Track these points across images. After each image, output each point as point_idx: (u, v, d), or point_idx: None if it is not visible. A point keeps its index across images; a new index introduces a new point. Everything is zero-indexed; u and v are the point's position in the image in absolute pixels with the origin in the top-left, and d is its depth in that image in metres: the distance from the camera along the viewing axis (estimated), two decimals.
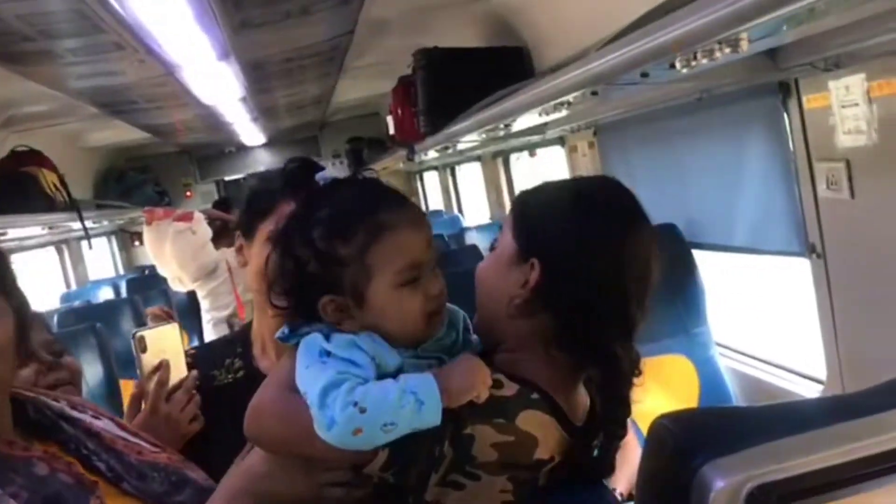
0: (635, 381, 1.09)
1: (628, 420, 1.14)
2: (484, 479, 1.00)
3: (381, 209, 1.08)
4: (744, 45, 1.58)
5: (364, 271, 1.06)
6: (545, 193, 1.18)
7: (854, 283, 2.34)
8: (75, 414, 1.26)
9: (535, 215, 1.15)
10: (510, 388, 1.03)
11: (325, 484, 1.05)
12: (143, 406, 1.57)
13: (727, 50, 1.61)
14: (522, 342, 1.09)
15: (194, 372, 1.63)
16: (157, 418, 1.53)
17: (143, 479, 1.23)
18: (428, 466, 0.99)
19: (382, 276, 1.06)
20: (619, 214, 1.12)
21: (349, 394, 0.98)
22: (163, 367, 1.56)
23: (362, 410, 0.97)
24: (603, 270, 1.07)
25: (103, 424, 1.28)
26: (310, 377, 1.01)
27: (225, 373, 1.65)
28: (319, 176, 1.15)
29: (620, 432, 1.10)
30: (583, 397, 1.13)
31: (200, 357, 1.74)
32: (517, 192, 1.28)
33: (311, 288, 1.08)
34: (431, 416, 0.98)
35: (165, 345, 1.60)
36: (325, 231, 1.08)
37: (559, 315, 1.07)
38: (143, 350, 1.57)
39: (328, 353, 1.03)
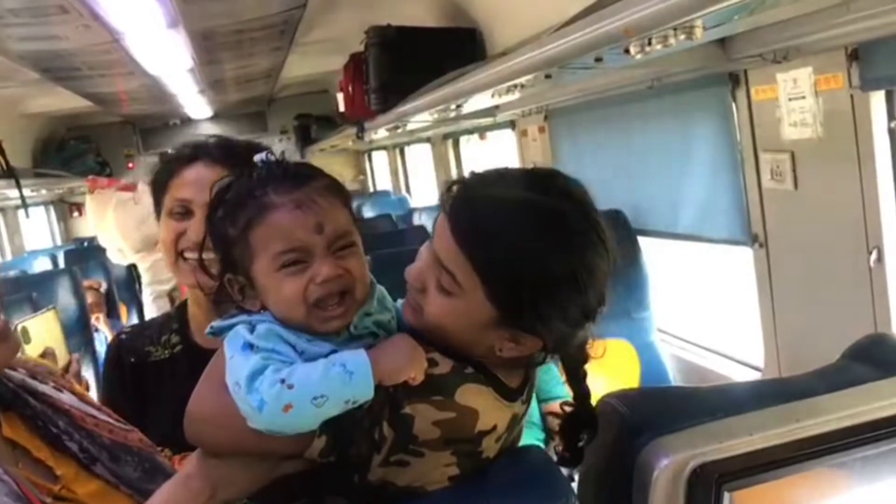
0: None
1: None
2: (428, 456, 1.00)
3: (271, 190, 1.05)
4: (698, 33, 1.59)
5: (248, 251, 1.05)
6: (504, 234, 1.00)
7: (794, 273, 2.40)
8: (38, 386, 1.19)
9: (512, 280, 1.00)
10: (445, 365, 1.02)
11: (279, 459, 1.03)
12: None
13: (681, 37, 1.62)
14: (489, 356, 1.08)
15: (76, 355, 1.63)
16: None
17: (116, 461, 1.18)
18: (368, 449, 0.99)
19: (261, 258, 1.04)
20: (591, 248, 1.02)
21: (275, 373, 0.97)
22: (47, 355, 1.54)
23: (290, 387, 0.96)
24: (585, 310, 1.03)
25: (68, 399, 1.22)
26: (235, 368, 1.00)
27: (161, 349, 1.64)
28: (257, 158, 1.11)
29: (586, 406, 1.09)
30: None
31: (134, 335, 1.72)
32: (464, 176, 1.09)
33: (222, 266, 1.09)
34: (362, 388, 0.97)
35: (47, 332, 1.60)
36: (222, 211, 1.08)
37: (549, 354, 1.08)
38: (27, 341, 1.56)
39: (251, 346, 1.01)
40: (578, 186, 1.06)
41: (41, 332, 1.57)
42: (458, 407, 0.99)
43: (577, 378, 1.10)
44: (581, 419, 1.11)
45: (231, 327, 1.05)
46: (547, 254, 0.99)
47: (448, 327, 1.04)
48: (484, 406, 1.01)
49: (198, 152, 1.57)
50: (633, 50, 1.77)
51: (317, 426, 0.98)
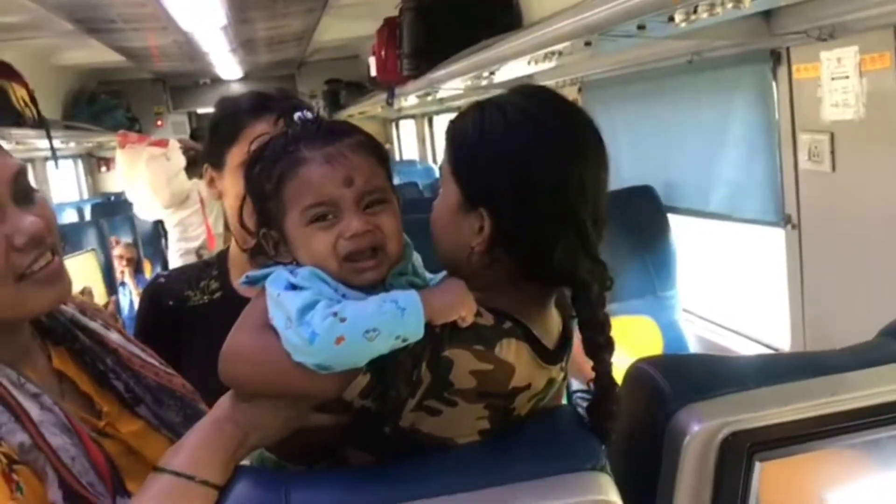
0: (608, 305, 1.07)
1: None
2: (460, 406, 0.99)
3: (303, 145, 1.06)
4: (746, 2, 1.57)
5: (281, 206, 1.06)
6: (478, 124, 1.10)
7: (826, 256, 2.37)
8: (88, 322, 1.20)
9: (471, 155, 1.09)
10: (487, 318, 1.02)
11: (311, 409, 1.03)
12: None
13: (729, 5, 1.60)
14: (489, 282, 1.08)
15: (114, 297, 1.62)
16: None
17: (160, 404, 1.19)
18: (407, 391, 0.98)
19: (293, 212, 1.05)
20: (560, 138, 1.07)
21: (327, 307, 0.97)
22: (86, 293, 1.53)
23: (342, 319, 0.95)
24: (553, 202, 1.04)
25: (116, 338, 1.23)
26: (285, 302, 1.00)
27: (200, 294, 1.63)
28: (297, 116, 1.12)
29: (604, 357, 1.08)
30: (555, 319, 1.12)
31: (173, 278, 1.71)
32: None
33: (258, 221, 1.11)
34: (414, 325, 0.97)
35: (85, 271, 1.59)
36: (259, 166, 1.10)
37: (520, 254, 1.06)
38: None
39: (295, 287, 1.01)
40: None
41: (80, 272, 1.56)
42: (496, 359, 0.99)
43: (596, 348, 1.07)
44: (604, 398, 1.08)
45: (266, 277, 1.05)
46: (496, 138, 1.07)
47: (438, 227, 1.13)
48: (521, 363, 1.01)
49: (268, 103, 1.53)
50: (677, 18, 1.74)
51: (364, 363, 0.98)
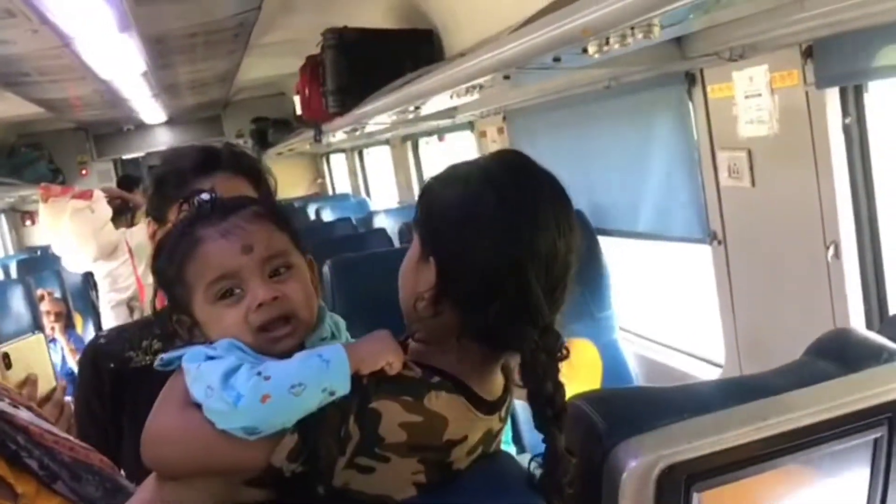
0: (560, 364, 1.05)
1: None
2: (393, 461, 0.97)
3: (199, 225, 1.06)
4: (655, 32, 1.60)
5: (186, 289, 1.06)
6: (448, 180, 1.11)
7: (753, 269, 2.42)
8: None
9: (433, 207, 1.10)
10: (416, 371, 1.02)
11: (241, 483, 1.00)
12: None
13: (639, 36, 1.63)
14: (435, 335, 1.07)
15: (63, 382, 1.57)
16: None
17: (77, 480, 1.14)
18: (336, 449, 0.96)
19: (198, 293, 1.05)
20: (518, 196, 1.05)
21: (251, 369, 0.96)
22: (29, 382, 1.48)
23: (267, 378, 0.94)
24: (496, 259, 1.02)
25: (25, 415, 1.18)
26: (206, 372, 0.98)
27: (143, 354, 1.58)
28: (195, 198, 1.12)
29: (554, 432, 1.04)
30: (499, 376, 1.11)
31: (113, 339, 1.66)
32: (426, 176, 1.25)
33: (170, 308, 1.11)
34: (340, 375, 0.95)
35: (31, 357, 1.53)
36: (163, 252, 1.10)
37: (463, 310, 1.05)
38: (8, 367, 1.49)
39: (213, 359, 1.00)
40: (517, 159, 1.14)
41: (25, 358, 1.49)
42: (426, 411, 0.98)
43: (545, 421, 1.03)
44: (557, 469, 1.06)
45: (181, 357, 1.03)
46: (457, 189, 1.08)
47: (400, 275, 1.13)
48: (454, 415, 1.00)
49: (215, 161, 1.51)
50: (591, 49, 1.77)
51: (293, 422, 0.96)
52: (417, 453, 0.98)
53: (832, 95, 2.03)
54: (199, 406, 0.97)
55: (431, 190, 1.12)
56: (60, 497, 1.12)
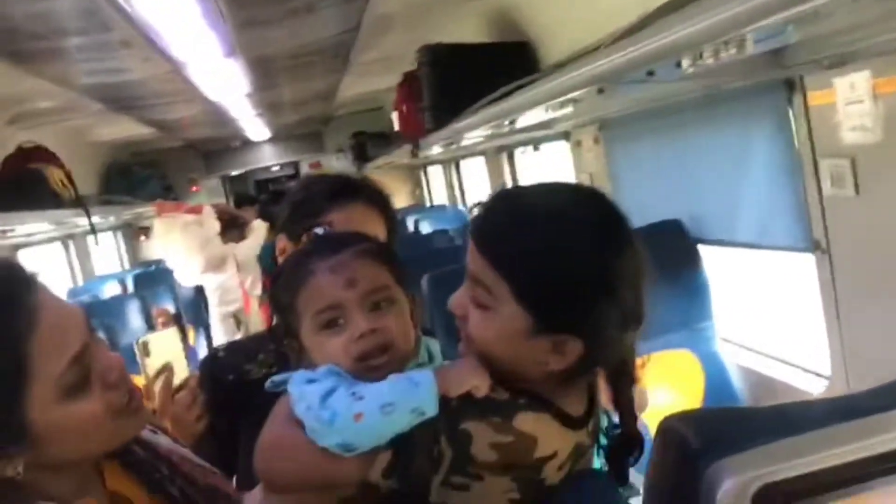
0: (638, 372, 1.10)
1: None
2: (487, 480, 1.00)
3: (314, 258, 1.14)
4: (749, 46, 1.59)
5: (296, 316, 1.14)
6: (531, 243, 1.03)
7: (859, 279, 2.35)
8: (142, 434, 1.23)
9: (545, 284, 1.02)
10: (502, 393, 1.05)
11: (337, 500, 1.06)
12: (149, 406, 1.58)
13: (732, 50, 1.62)
14: (542, 376, 1.09)
15: (196, 372, 1.66)
16: (165, 419, 1.55)
17: (211, 501, 1.23)
18: (429, 467, 1.00)
19: (305, 320, 1.13)
20: (615, 246, 1.04)
21: (348, 389, 1.03)
22: (167, 369, 1.58)
23: (360, 398, 1.01)
24: (634, 319, 1.07)
25: (165, 442, 1.27)
26: (307, 393, 1.04)
27: (258, 367, 1.66)
28: (314, 231, 1.22)
29: (633, 427, 1.12)
30: (583, 391, 1.14)
31: (231, 353, 1.74)
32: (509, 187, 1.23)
33: (282, 333, 1.19)
34: (428, 397, 1.00)
35: (167, 348, 1.63)
36: (279, 282, 1.18)
37: (601, 365, 1.10)
38: (147, 354, 1.60)
39: (314, 381, 1.06)
40: (598, 194, 1.11)
41: (162, 348, 1.62)
42: (515, 431, 1.01)
43: (623, 401, 1.12)
44: (627, 443, 1.12)
45: (287, 380, 1.10)
46: (567, 253, 1.02)
47: (493, 346, 1.07)
48: (543, 432, 1.03)
49: (352, 191, 1.60)
50: (684, 63, 1.77)
51: (385, 440, 1.01)
52: (509, 472, 1.01)
53: None
54: (302, 425, 1.03)
55: (523, 256, 1.04)
56: None
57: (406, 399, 1.00)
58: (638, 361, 1.14)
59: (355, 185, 1.63)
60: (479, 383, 1.03)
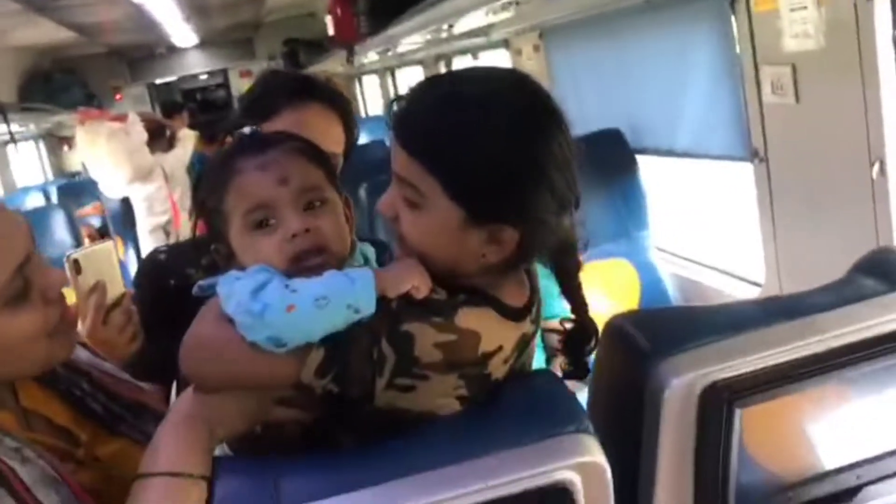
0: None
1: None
2: (433, 379, 0.98)
3: (239, 158, 1.09)
4: None
5: (223, 218, 1.09)
6: (454, 132, 1.00)
7: (796, 188, 2.38)
8: None
9: (473, 175, 0.99)
10: (441, 293, 1.02)
11: (275, 402, 1.03)
12: (80, 328, 1.50)
13: None
14: (480, 269, 1.06)
15: (131, 290, 1.58)
16: (96, 341, 1.47)
17: (139, 418, 1.19)
18: (368, 369, 0.98)
19: (234, 222, 1.08)
20: (542, 129, 1.02)
21: (279, 282, 0.99)
22: (99, 288, 1.49)
23: (293, 291, 0.97)
24: (568, 198, 1.03)
25: (85, 357, 1.21)
26: (238, 288, 1.00)
27: (202, 272, 1.59)
28: (237, 133, 1.15)
29: (585, 315, 1.10)
30: (524, 279, 1.12)
31: (173, 255, 1.66)
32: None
33: (209, 237, 1.15)
34: (364, 294, 0.97)
35: (100, 265, 1.53)
36: (203, 182, 1.13)
37: (542, 252, 1.06)
38: (78, 272, 1.50)
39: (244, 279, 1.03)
40: (524, 77, 1.07)
41: (94, 265, 1.51)
42: (458, 329, 0.99)
43: (572, 289, 1.11)
44: (582, 332, 1.11)
45: (215, 284, 1.06)
46: (493, 139, 0.99)
47: (427, 244, 1.04)
48: (486, 327, 1.01)
49: (311, 90, 1.49)
50: None
51: (318, 336, 0.97)
52: (456, 370, 0.99)
53: (882, 6, 1.96)
54: (232, 322, 1.00)
55: (450, 148, 1.00)
56: (122, 438, 1.15)
57: (341, 294, 0.96)
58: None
59: (314, 83, 1.53)
60: (418, 284, 1.00)
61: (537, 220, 1.01)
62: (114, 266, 1.54)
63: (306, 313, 0.96)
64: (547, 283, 1.14)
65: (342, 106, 1.53)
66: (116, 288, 1.50)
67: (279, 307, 0.96)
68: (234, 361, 1.00)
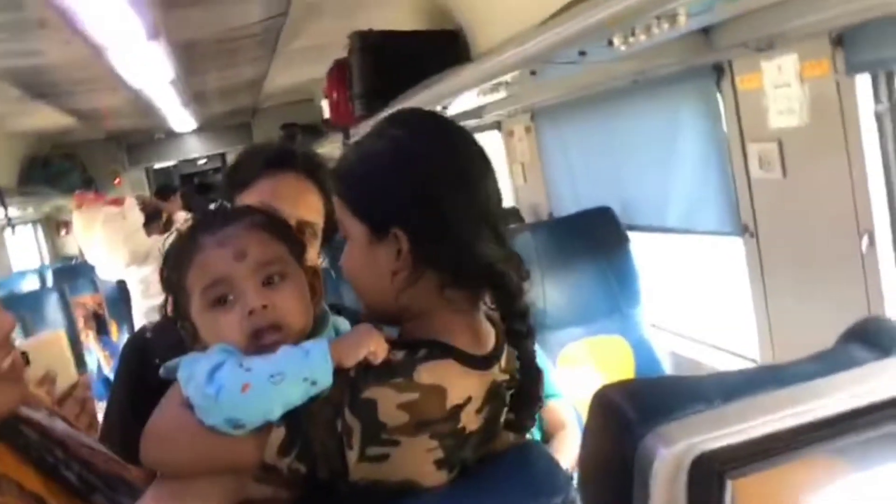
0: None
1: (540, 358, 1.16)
2: (404, 443, 0.96)
3: (199, 234, 1.09)
4: (681, 21, 1.59)
5: (186, 295, 1.08)
6: (363, 159, 1.13)
7: (786, 261, 2.39)
8: (32, 414, 1.15)
9: (364, 188, 1.10)
10: (398, 354, 1.01)
11: (254, 479, 1.00)
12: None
13: (665, 26, 1.62)
14: (420, 304, 1.07)
15: (84, 378, 1.56)
16: None
17: (114, 490, 1.15)
18: (333, 442, 0.95)
19: (195, 299, 1.06)
20: (437, 142, 1.11)
21: (235, 363, 0.98)
22: (48, 380, 1.46)
23: (248, 370, 0.96)
24: (467, 203, 1.07)
25: (61, 427, 1.18)
26: (196, 370, 0.99)
27: (176, 353, 1.58)
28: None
29: (527, 345, 1.11)
30: (487, 325, 1.12)
31: (159, 337, 1.63)
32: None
33: (175, 315, 1.13)
34: (320, 366, 0.95)
35: (51, 354, 1.52)
36: (168, 259, 1.12)
37: (440, 261, 1.06)
38: (27, 363, 1.49)
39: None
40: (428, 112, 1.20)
41: (44, 355, 1.49)
42: (419, 386, 0.97)
43: (512, 324, 1.10)
44: (526, 389, 1.12)
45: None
46: (377, 155, 1.10)
47: (358, 274, 1.12)
48: (449, 380, 0.99)
49: (289, 159, 1.51)
50: (616, 41, 1.76)
51: (276, 414, 0.96)
52: (426, 429, 0.97)
53: (863, 83, 2.00)
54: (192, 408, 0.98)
55: (351, 172, 1.13)
56: None
57: (296, 368, 0.95)
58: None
59: (291, 153, 1.53)
60: (374, 348, 0.99)
61: (423, 224, 1.05)
62: (65, 355, 1.52)
63: (262, 391, 0.94)
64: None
65: (320, 174, 1.53)
66: (68, 377, 1.49)
67: (234, 388, 0.94)
68: (192, 448, 0.98)
